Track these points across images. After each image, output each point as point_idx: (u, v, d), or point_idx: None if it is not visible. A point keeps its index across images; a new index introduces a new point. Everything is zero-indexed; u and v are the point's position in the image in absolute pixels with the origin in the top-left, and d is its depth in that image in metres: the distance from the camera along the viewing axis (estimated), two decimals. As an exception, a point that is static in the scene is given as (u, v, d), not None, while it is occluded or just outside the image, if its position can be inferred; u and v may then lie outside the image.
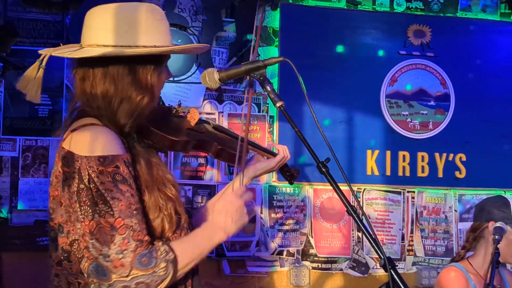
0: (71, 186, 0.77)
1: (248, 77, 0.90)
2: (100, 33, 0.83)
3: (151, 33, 0.85)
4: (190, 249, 0.83)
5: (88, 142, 0.80)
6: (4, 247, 1.75)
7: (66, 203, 0.80)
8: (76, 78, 0.86)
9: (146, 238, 0.77)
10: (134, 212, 0.77)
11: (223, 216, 0.84)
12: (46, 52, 0.81)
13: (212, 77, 0.91)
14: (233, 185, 0.90)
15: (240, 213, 0.84)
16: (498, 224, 1.36)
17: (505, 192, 2.01)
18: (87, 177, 0.76)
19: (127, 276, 0.75)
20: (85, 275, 0.79)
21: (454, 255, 1.95)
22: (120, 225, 0.76)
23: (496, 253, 1.29)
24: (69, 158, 0.78)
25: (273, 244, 1.88)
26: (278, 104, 0.88)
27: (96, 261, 0.76)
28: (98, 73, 0.84)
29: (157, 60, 0.86)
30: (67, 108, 1.03)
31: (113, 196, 0.76)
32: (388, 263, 0.76)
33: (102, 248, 0.75)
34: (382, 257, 0.76)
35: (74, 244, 0.80)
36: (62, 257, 0.81)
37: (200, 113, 1.91)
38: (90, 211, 0.75)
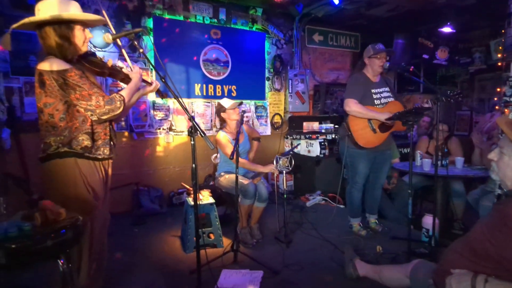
0: (49, 85, 1.55)
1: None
2: (37, 12, 1.61)
3: (55, 9, 1.58)
4: (129, 92, 1.78)
5: (56, 64, 1.57)
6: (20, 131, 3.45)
7: (46, 93, 1.58)
8: (38, 37, 1.64)
9: (105, 94, 1.66)
10: (94, 87, 1.64)
11: (136, 75, 1.86)
12: (11, 27, 1.62)
13: (108, 37, 1.75)
14: (136, 67, 1.89)
15: (140, 75, 1.88)
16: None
17: (255, 102, 4.92)
18: (61, 78, 1.54)
19: (104, 107, 1.63)
20: (87, 114, 1.64)
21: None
22: (91, 92, 1.61)
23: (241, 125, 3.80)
24: (43, 72, 1.56)
25: (156, 125, 4.27)
26: (141, 50, 1.82)
27: (86, 107, 1.62)
28: (43, 33, 1.62)
29: (65, 23, 1.63)
30: (39, 53, 1.74)
31: (83, 83, 1.60)
32: (191, 118, 1.71)
33: (87, 102, 1.60)
34: (188, 115, 1.73)
35: (52, 110, 1.61)
36: (46, 119, 1.64)
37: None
38: (72, 91, 1.57)
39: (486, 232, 1.25)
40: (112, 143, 1.85)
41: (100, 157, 1.76)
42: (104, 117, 1.67)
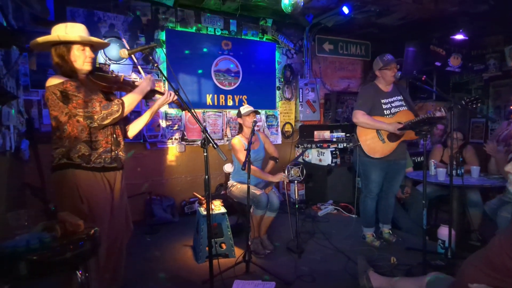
0: (51, 99, 1.68)
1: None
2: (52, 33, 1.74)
3: (58, 32, 1.72)
4: (131, 97, 1.82)
5: (54, 80, 1.69)
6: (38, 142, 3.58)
7: (54, 107, 1.69)
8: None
9: (102, 100, 1.73)
10: (90, 95, 1.71)
11: (145, 81, 1.90)
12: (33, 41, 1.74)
13: (124, 52, 1.87)
14: (149, 75, 1.94)
15: (150, 82, 1.91)
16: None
17: (266, 111, 4.95)
18: (59, 91, 1.66)
19: (101, 112, 1.70)
20: (86, 122, 1.69)
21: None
22: (87, 99, 1.68)
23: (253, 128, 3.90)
24: (46, 89, 1.70)
25: (168, 135, 4.34)
26: (155, 65, 1.88)
27: (84, 114, 1.69)
28: (51, 53, 1.77)
29: (65, 43, 1.73)
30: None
31: (78, 92, 1.67)
32: (205, 130, 1.79)
33: (84, 109, 1.67)
34: (202, 127, 1.79)
35: (58, 123, 1.70)
36: (54, 131, 1.74)
37: (131, 77, 4.12)
38: (69, 100, 1.66)
39: (504, 245, 1.23)
40: (115, 152, 1.87)
41: (99, 166, 1.78)
42: (105, 122, 1.72)
